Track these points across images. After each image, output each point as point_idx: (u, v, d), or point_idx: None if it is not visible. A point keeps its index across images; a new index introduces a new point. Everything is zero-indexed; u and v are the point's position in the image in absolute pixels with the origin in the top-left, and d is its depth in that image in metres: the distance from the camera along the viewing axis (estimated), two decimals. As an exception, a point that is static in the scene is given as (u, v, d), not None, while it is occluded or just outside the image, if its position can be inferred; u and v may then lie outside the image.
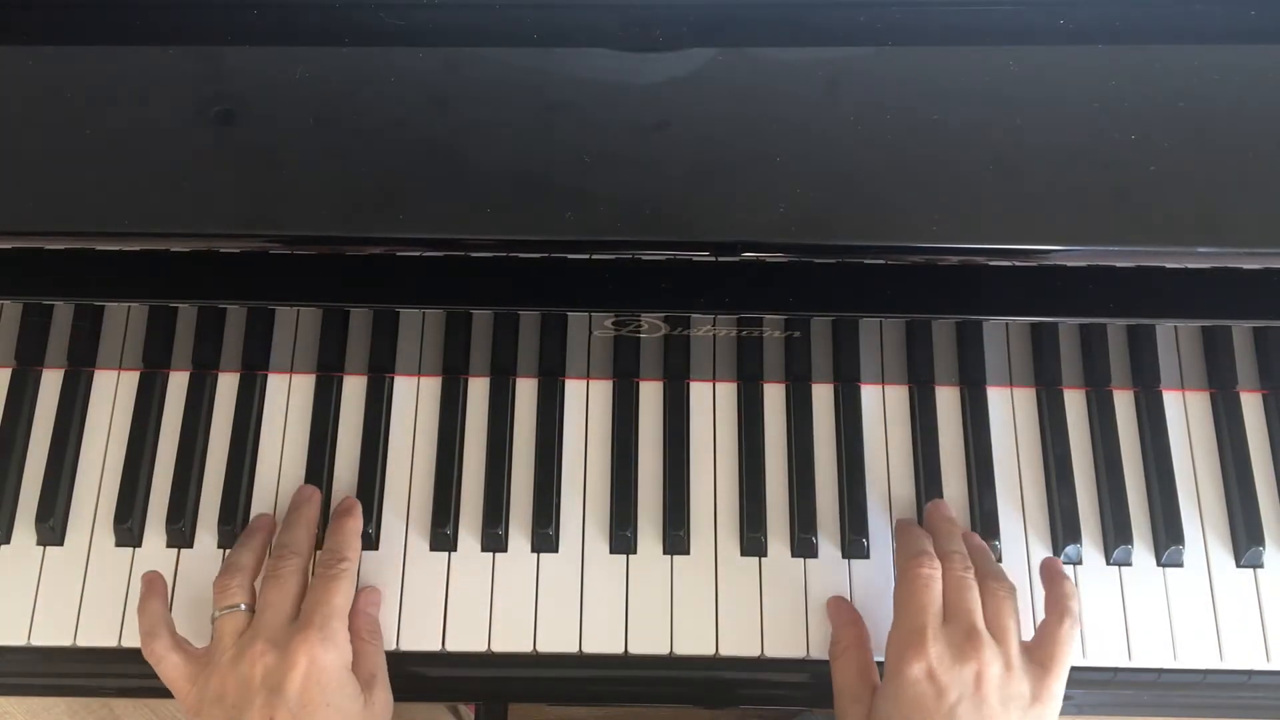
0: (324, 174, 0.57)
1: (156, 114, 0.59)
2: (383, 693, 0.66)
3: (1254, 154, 0.57)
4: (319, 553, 0.70)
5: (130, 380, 0.76)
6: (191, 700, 0.65)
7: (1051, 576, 0.69)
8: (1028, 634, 0.68)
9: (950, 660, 0.61)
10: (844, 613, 0.70)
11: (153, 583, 0.70)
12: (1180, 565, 0.73)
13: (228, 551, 0.72)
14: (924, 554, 0.66)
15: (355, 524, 0.71)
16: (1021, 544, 0.73)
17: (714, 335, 0.75)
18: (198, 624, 0.70)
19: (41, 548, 0.72)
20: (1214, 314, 0.68)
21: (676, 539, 0.72)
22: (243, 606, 0.66)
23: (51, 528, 0.72)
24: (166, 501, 0.73)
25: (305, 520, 0.71)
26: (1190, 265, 0.63)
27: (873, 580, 0.72)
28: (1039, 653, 0.64)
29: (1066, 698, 0.71)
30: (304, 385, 0.76)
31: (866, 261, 0.64)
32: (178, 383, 0.76)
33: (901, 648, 0.63)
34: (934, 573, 0.65)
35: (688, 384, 0.76)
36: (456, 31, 0.61)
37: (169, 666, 0.66)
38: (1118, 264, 0.63)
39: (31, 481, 0.74)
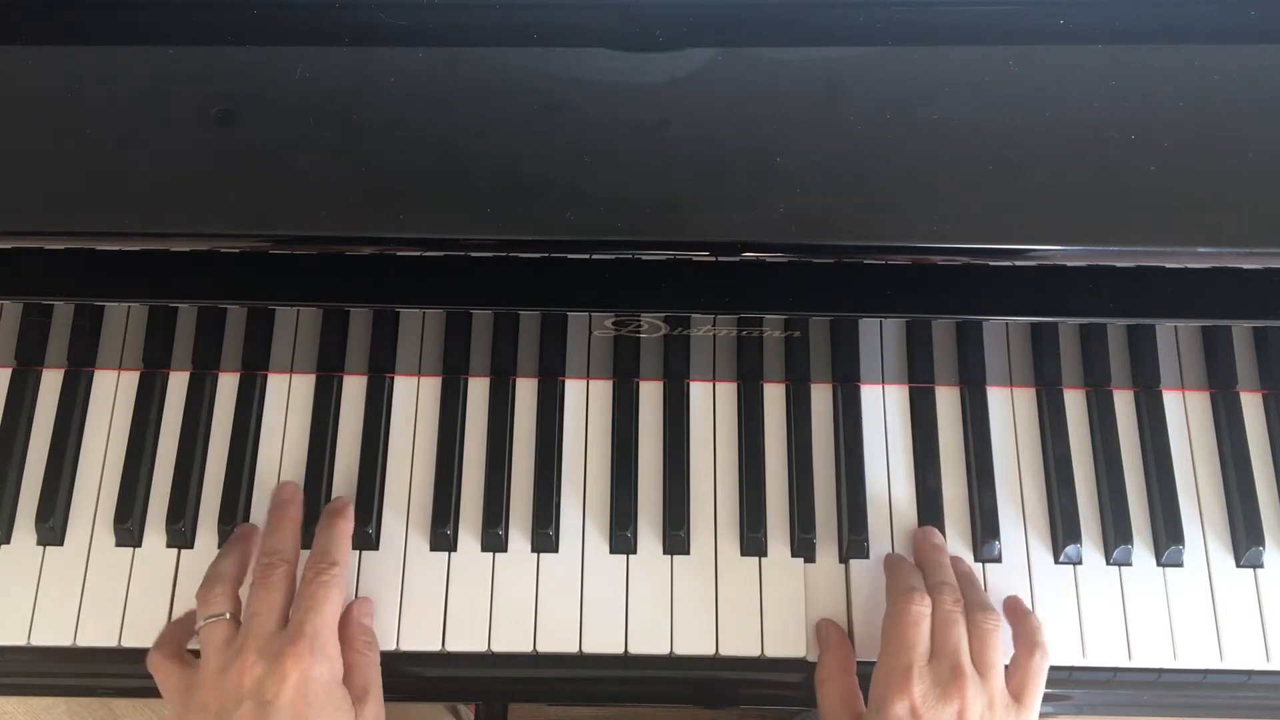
0: (324, 174, 0.57)
1: (156, 114, 0.59)
2: (375, 706, 0.65)
3: (1254, 154, 0.57)
4: (308, 554, 0.69)
5: (130, 380, 0.76)
6: (179, 710, 0.64)
7: (1016, 613, 0.70)
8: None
9: (934, 699, 0.62)
10: (830, 637, 0.70)
11: (181, 621, 0.70)
12: (1180, 565, 0.73)
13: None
14: (914, 591, 0.66)
15: (346, 525, 0.70)
16: (1021, 544, 0.73)
17: (714, 335, 0.75)
18: (198, 624, 0.70)
19: (41, 548, 0.72)
20: (1214, 314, 0.68)
21: (676, 539, 0.72)
22: (227, 615, 0.65)
23: (51, 528, 0.72)
24: (166, 501, 0.73)
25: (289, 521, 0.70)
26: (1190, 265, 0.63)
27: (873, 580, 0.72)
28: (1013, 686, 0.65)
29: (1066, 698, 0.71)
30: (304, 385, 0.76)
31: (866, 261, 0.64)
32: (178, 383, 0.76)
33: (887, 683, 0.63)
34: (924, 610, 0.65)
35: (688, 384, 0.76)
36: (456, 31, 0.61)
37: (164, 675, 0.66)
38: (1118, 264, 0.63)
39: (31, 481, 0.74)
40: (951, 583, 0.68)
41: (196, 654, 0.68)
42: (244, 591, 0.68)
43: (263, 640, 0.63)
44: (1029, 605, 0.71)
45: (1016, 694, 0.65)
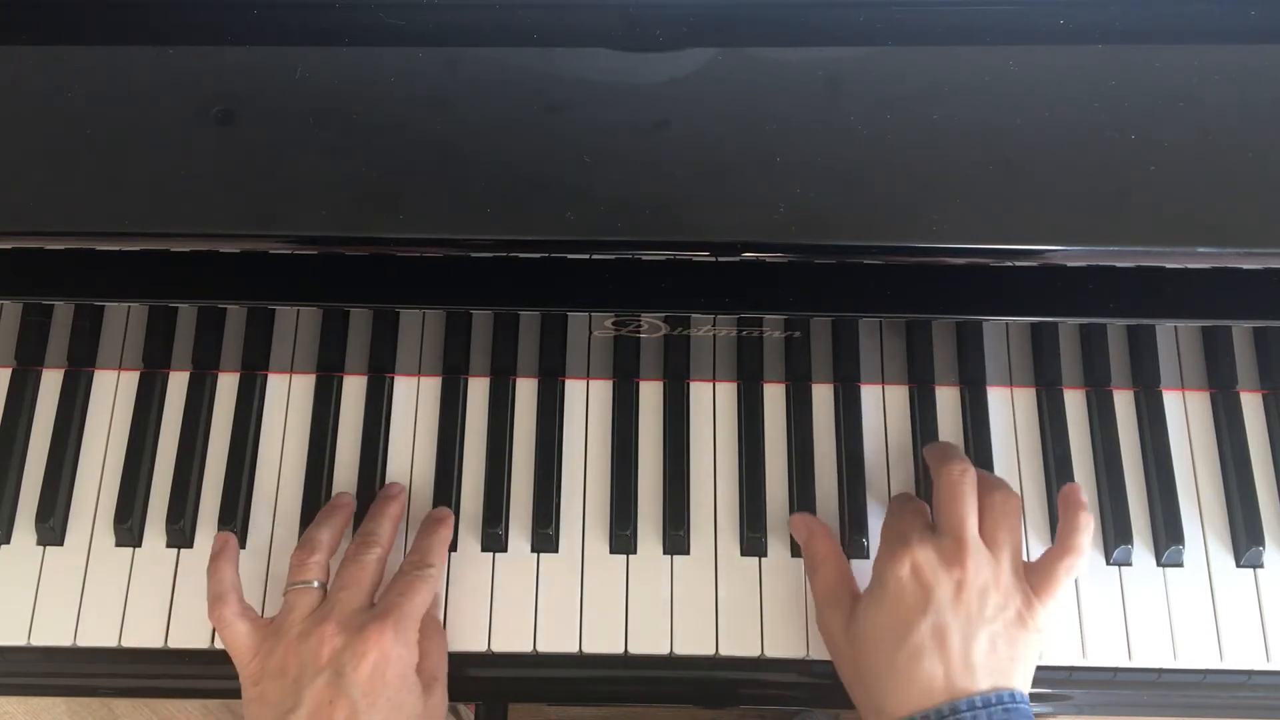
0: (324, 174, 0.57)
1: (156, 114, 0.59)
2: (440, 693, 0.66)
3: (1254, 154, 0.57)
4: (407, 551, 0.70)
5: (130, 380, 0.76)
6: (254, 670, 0.64)
7: (1067, 505, 0.67)
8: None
9: (937, 561, 0.61)
10: (812, 526, 0.69)
11: (225, 545, 0.69)
12: (1180, 565, 0.73)
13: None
14: (911, 498, 0.66)
15: (446, 533, 0.71)
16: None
17: (714, 335, 0.75)
18: (199, 619, 0.70)
19: (41, 548, 0.73)
20: (1214, 314, 0.68)
21: (676, 539, 0.72)
22: (316, 584, 0.66)
23: (51, 528, 0.72)
24: (166, 501, 0.73)
25: (392, 515, 0.70)
26: (1190, 265, 0.63)
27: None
28: (1034, 578, 0.64)
29: (1066, 698, 0.71)
30: (304, 385, 0.76)
31: (867, 261, 0.64)
32: (178, 383, 0.76)
33: (887, 553, 0.63)
34: (924, 500, 0.65)
35: (688, 384, 0.76)
36: (456, 31, 0.61)
37: (235, 634, 0.65)
38: (1118, 264, 0.63)
39: (31, 481, 0.74)
40: (961, 456, 0.66)
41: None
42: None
43: (347, 614, 0.63)
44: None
45: (1036, 587, 0.63)
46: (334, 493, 0.74)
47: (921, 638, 0.60)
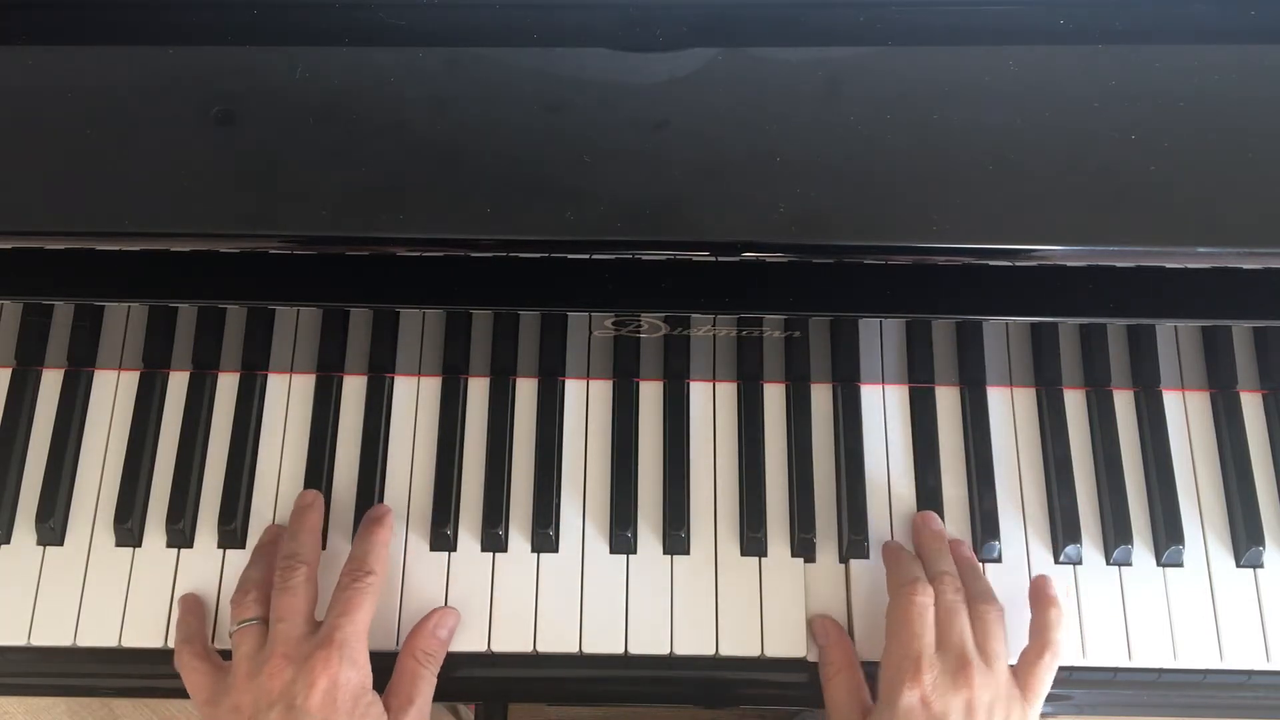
0: (324, 174, 0.57)
1: (156, 114, 0.59)
2: (416, 718, 0.65)
3: (1254, 154, 0.57)
4: (345, 562, 0.69)
5: (130, 380, 0.76)
6: (206, 711, 0.65)
7: (1038, 600, 0.69)
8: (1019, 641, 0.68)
9: (944, 688, 0.63)
10: (831, 632, 0.70)
11: (190, 604, 0.70)
12: (1180, 565, 0.73)
13: (228, 552, 0.72)
14: (917, 580, 0.67)
15: (384, 534, 0.70)
16: (1021, 544, 0.73)
17: (714, 335, 0.75)
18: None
19: (41, 548, 0.72)
20: (1214, 314, 0.68)
21: (676, 539, 0.72)
22: (257, 620, 0.66)
23: (51, 528, 0.72)
24: (166, 501, 0.73)
25: (309, 527, 0.70)
26: (1190, 265, 0.63)
27: (874, 580, 0.72)
28: (1020, 680, 0.66)
29: (1066, 698, 0.71)
30: (304, 385, 0.76)
31: (866, 261, 0.64)
32: (178, 383, 0.76)
33: (896, 675, 0.64)
34: (927, 600, 0.66)
35: (688, 384, 0.76)
36: (456, 31, 0.61)
37: (193, 674, 0.66)
38: (1118, 264, 0.63)
39: (31, 481, 0.74)
40: (952, 571, 0.68)
41: (223, 654, 0.68)
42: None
43: (291, 645, 0.64)
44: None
45: (1023, 687, 0.65)
46: (333, 494, 0.73)
47: None
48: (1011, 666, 0.66)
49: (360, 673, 0.63)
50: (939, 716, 0.62)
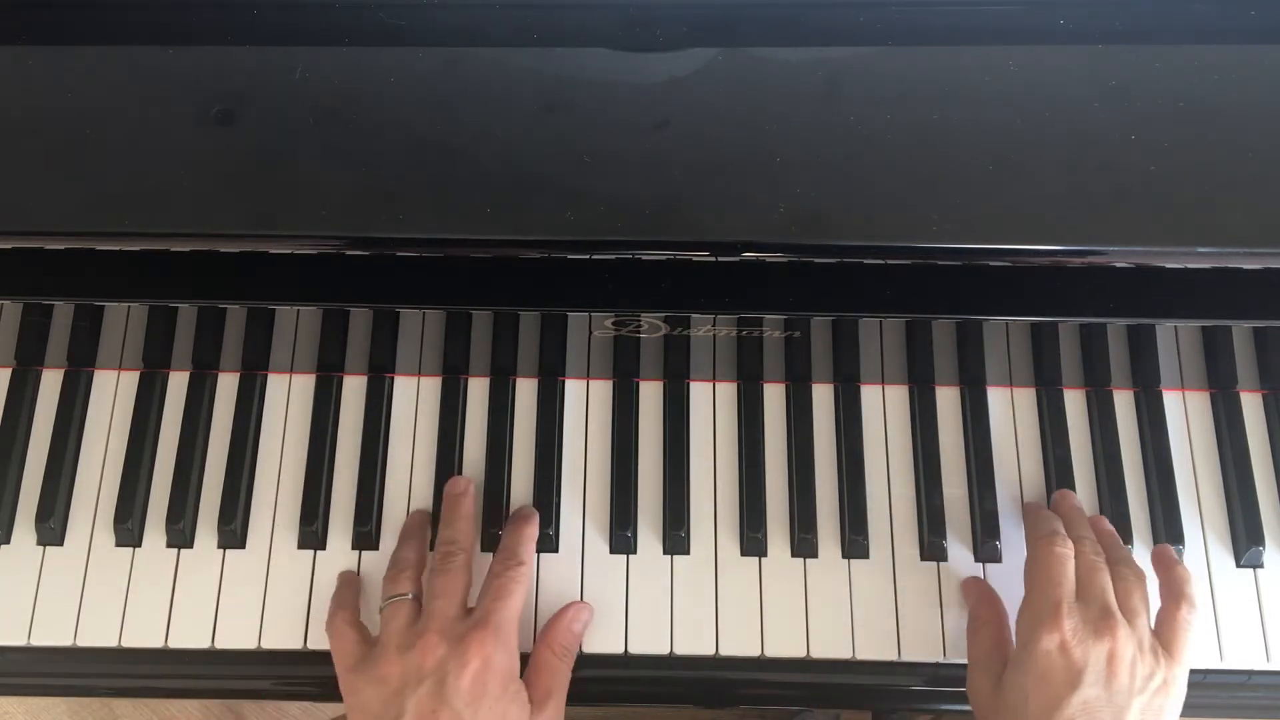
0: (324, 174, 0.57)
1: (156, 114, 0.59)
2: (554, 713, 0.66)
3: (1254, 154, 0.57)
4: (495, 551, 0.70)
5: (130, 380, 0.76)
6: (349, 679, 0.65)
7: (1164, 563, 0.69)
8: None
9: (1085, 636, 0.61)
10: (982, 590, 0.70)
11: (348, 578, 0.71)
12: (1180, 565, 0.73)
13: (228, 552, 0.72)
14: (1056, 534, 0.66)
15: (533, 530, 0.71)
16: (1022, 544, 0.73)
17: (714, 335, 0.75)
18: (200, 618, 0.70)
19: (41, 548, 0.72)
20: (1214, 314, 0.68)
21: (676, 539, 0.72)
22: (410, 595, 0.67)
23: (51, 528, 0.72)
24: (166, 501, 0.73)
25: (464, 515, 0.71)
26: (1190, 265, 0.63)
27: (874, 580, 0.72)
28: (1162, 639, 0.64)
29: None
30: (304, 385, 0.76)
31: (867, 261, 0.64)
32: (178, 383, 0.76)
33: (1035, 621, 0.63)
34: (1067, 551, 0.65)
35: (688, 384, 0.76)
36: (456, 31, 0.61)
37: (342, 640, 0.67)
38: (1118, 264, 0.63)
39: (31, 481, 0.74)
40: (1091, 537, 0.67)
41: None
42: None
43: (446, 623, 0.64)
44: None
45: (1168, 647, 0.64)
46: (333, 494, 0.73)
47: (1072, 713, 0.60)
48: (1152, 629, 0.65)
49: (511, 658, 0.64)
50: (1078, 664, 0.60)
